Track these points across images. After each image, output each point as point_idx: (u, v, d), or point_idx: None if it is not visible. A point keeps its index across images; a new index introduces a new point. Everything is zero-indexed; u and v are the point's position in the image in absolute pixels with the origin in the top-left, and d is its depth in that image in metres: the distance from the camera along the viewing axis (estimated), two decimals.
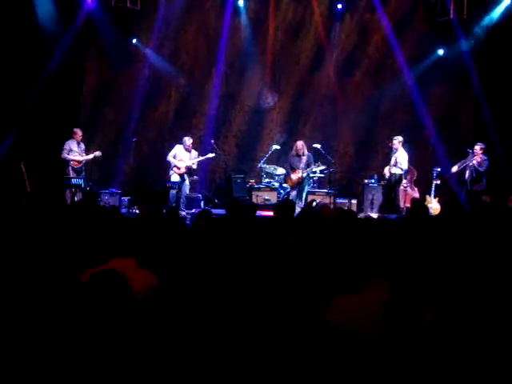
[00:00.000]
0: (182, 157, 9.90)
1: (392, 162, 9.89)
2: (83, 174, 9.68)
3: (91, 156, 9.68)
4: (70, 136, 9.64)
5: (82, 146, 9.73)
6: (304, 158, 9.93)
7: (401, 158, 9.81)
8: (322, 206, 6.56)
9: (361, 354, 1.93)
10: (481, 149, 9.46)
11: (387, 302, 1.92)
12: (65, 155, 9.50)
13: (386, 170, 10.01)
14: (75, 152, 9.58)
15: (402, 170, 9.81)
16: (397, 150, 9.85)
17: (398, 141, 9.86)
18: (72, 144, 9.58)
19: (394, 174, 9.85)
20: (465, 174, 9.65)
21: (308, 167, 9.94)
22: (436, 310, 2.22)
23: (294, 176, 9.96)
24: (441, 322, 2.12)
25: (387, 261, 2.13)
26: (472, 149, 9.55)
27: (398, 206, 9.79)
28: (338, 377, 1.98)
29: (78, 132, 9.66)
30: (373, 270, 2.12)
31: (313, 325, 2.16)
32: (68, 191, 9.31)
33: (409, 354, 1.84)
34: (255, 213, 5.05)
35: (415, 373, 1.85)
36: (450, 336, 2.24)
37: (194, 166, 10.04)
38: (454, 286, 2.84)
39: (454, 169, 9.66)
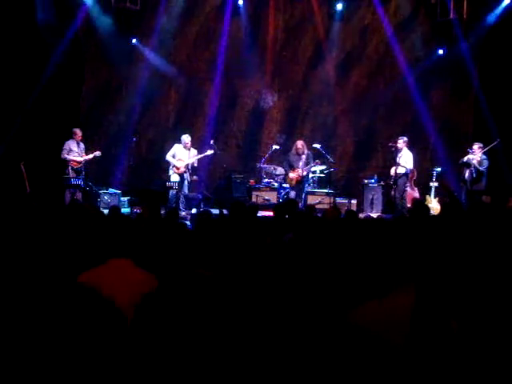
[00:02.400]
0: (181, 156, 9.87)
1: (397, 161, 9.90)
2: (83, 173, 9.67)
3: (91, 156, 9.68)
4: (70, 136, 9.64)
5: (82, 145, 9.72)
6: (304, 157, 9.94)
7: (406, 158, 9.84)
8: (326, 210, 6.48)
9: (387, 358, 1.92)
10: (479, 148, 9.48)
11: (414, 306, 1.91)
12: (64, 155, 9.50)
13: (393, 171, 9.99)
14: (75, 152, 9.57)
15: (406, 169, 9.81)
16: (401, 150, 9.87)
17: (402, 141, 9.88)
18: (72, 144, 9.58)
19: (399, 173, 9.87)
20: (464, 173, 9.66)
21: (308, 165, 9.95)
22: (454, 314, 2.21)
23: (293, 175, 9.96)
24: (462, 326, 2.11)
25: (414, 264, 2.12)
26: (471, 148, 9.57)
27: (404, 205, 9.75)
28: (362, 380, 1.98)
29: (78, 132, 9.65)
30: (401, 274, 2.11)
31: (339, 327, 2.15)
32: (68, 191, 9.29)
33: (436, 360, 1.83)
34: (256, 213, 5.05)
35: (440, 378, 1.84)
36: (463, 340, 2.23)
37: (195, 164, 10.02)
38: (461, 289, 2.83)
39: (465, 159, 9.67)
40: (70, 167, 9.51)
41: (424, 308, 1.91)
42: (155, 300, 2.06)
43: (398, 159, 9.84)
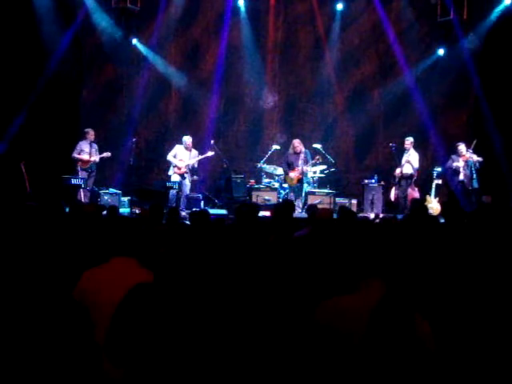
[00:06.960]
0: (182, 156, 9.88)
1: (403, 162, 9.93)
2: (94, 173, 9.72)
3: (98, 158, 9.71)
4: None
5: (95, 146, 9.77)
6: (302, 155, 9.93)
7: (412, 158, 9.90)
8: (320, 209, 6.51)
9: (351, 355, 1.91)
10: (465, 146, 9.55)
11: (378, 302, 1.89)
12: (74, 155, 9.60)
13: (398, 171, 10.00)
14: (86, 153, 9.63)
15: (413, 169, 9.85)
16: (408, 150, 9.94)
17: (409, 141, 9.99)
18: (84, 145, 9.65)
19: (406, 173, 9.88)
20: (457, 175, 9.62)
21: (307, 163, 9.94)
22: (433, 315, 2.19)
23: (294, 174, 9.94)
24: (437, 327, 2.09)
25: (385, 261, 2.10)
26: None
27: (407, 206, 9.75)
28: (326, 376, 1.98)
29: (90, 132, 9.72)
30: (369, 270, 2.08)
31: (305, 325, 2.15)
32: (82, 191, 9.27)
33: (394, 357, 1.82)
34: (258, 213, 5.04)
35: (399, 375, 1.83)
36: (445, 342, 2.20)
37: (195, 165, 10.03)
38: (452, 291, 2.81)
39: (453, 166, 9.70)
40: (78, 167, 9.57)
41: (388, 304, 1.89)
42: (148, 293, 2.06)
43: (404, 159, 9.89)
